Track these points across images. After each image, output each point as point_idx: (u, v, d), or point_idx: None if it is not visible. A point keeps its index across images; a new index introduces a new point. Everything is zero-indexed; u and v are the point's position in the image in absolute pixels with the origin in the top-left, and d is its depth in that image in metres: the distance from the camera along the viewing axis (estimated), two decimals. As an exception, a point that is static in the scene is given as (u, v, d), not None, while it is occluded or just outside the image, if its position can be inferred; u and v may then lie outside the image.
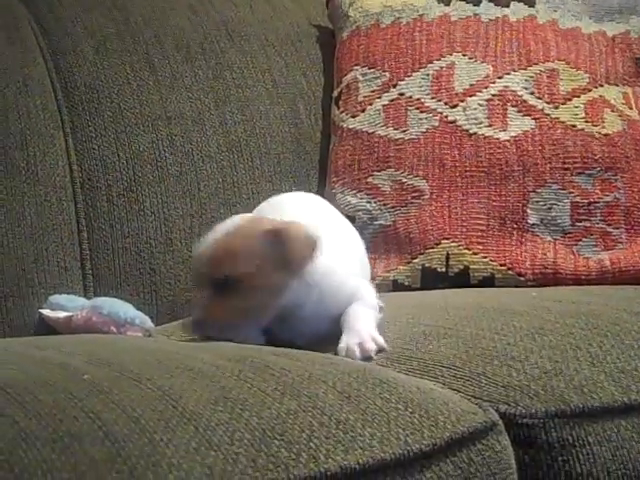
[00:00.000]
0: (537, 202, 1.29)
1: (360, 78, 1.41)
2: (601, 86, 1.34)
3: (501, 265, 1.26)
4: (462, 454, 0.63)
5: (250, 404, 0.61)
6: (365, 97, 1.40)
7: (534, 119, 1.31)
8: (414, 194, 1.32)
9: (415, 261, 1.30)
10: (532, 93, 1.33)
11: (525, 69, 1.35)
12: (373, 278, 1.19)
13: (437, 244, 1.29)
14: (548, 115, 1.31)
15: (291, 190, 1.37)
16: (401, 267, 1.30)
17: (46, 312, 1.19)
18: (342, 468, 0.58)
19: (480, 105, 1.33)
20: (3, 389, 0.58)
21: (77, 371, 0.64)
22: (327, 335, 0.84)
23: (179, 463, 0.53)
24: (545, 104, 1.32)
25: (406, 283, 1.29)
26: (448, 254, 1.28)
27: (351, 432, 0.61)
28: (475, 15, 1.41)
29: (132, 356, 0.69)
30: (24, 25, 1.35)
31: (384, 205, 1.33)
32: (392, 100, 1.38)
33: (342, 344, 0.80)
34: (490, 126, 1.32)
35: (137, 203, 1.32)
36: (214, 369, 0.68)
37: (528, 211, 1.28)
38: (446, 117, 1.34)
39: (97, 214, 1.30)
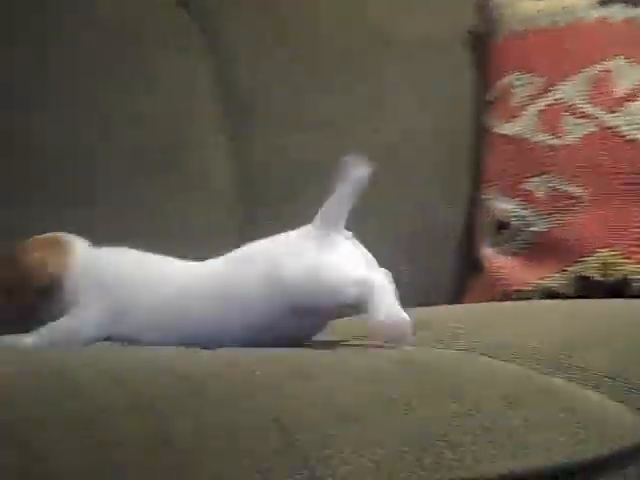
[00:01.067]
0: (700, 211, 1.25)
1: (515, 83, 1.40)
2: None
3: (662, 275, 1.23)
4: (630, 468, 0.62)
5: (414, 405, 0.62)
6: (519, 102, 1.39)
7: (698, 124, 1.27)
8: (570, 201, 1.30)
9: (570, 269, 1.28)
10: (697, 97, 1.29)
11: (689, 72, 1.31)
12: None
13: (593, 252, 1.27)
14: None
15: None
16: (555, 275, 1.29)
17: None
18: (504, 474, 0.58)
19: (641, 110, 1.30)
20: (184, 379, 0.62)
21: (248, 367, 0.67)
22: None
23: (349, 458, 0.56)
24: None
25: (560, 291, 1.28)
26: (605, 263, 1.26)
27: (515, 438, 0.61)
28: (635, 17, 1.37)
29: (302, 356, 0.72)
30: (188, 31, 1.41)
31: (538, 212, 1.32)
32: (548, 105, 1.36)
33: None
34: (652, 132, 1.29)
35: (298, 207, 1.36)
36: (376, 370, 0.69)
37: (690, 220, 1.25)
38: (604, 123, 1.32)
39: (259, 217, 1.35)
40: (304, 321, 0.82)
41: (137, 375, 0.65)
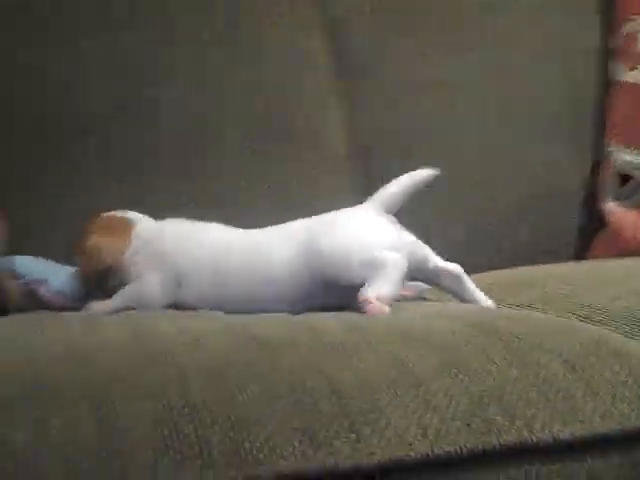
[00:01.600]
0: None
1: (640, 28, 1.34)
2: None
3: None
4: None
5: (474, 370, 0.63)
6: (645, 48, 1.33)
7: None
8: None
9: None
10: None
11: None
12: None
13: None
14: None
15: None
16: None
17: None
18: (555, 439, 0.59)
19: None
20: (258, 341, 0.67)
21: (324, 334, 0.70)
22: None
23: (396, 421, 0.58)
24: None
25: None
26: None
27: (571, 403, 0.61)
28: None
29: (376, 325, 0.74)
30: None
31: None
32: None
33: None
34: None
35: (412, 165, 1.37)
36: (449, 335, 0.70)
37: None
38: None
39: (372, 181, 1.36)
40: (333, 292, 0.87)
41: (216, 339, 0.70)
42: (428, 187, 0.95)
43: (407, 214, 0.94)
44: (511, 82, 1.40)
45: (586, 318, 0.83)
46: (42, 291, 1.01)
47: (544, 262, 1.22)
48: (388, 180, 1.31)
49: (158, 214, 1.05)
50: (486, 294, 0.92)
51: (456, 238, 1.31)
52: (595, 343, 0.68)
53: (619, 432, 0.60)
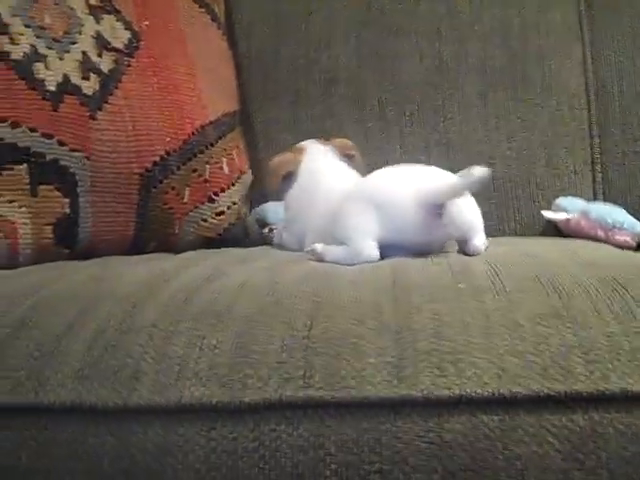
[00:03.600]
0: None
1: None
2: None
3: None
4: None
5: (579, 322, 0.68)
6: None
7: None
8: None
9: None
10: None
11: None
12: None
13: None
14: None
15: None
16: None
17: (547, 213, 1.30)
18: (624, 391, 0.62)
19: None
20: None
21: (459, 279, 0.77)
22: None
23: (477, 362, 0.65)
24: None
25: None
26: None
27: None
28: None
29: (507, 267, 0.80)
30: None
31: None
32: None
33: None
34: None
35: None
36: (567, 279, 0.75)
37: None
38: None
39: (609, 120, 1.35)
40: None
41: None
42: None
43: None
44: None
45: None
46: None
47: None
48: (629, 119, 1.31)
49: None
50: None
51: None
52: None
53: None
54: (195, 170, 1.12)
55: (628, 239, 1.16)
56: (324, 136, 1.15)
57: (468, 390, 0.63)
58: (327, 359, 0.66)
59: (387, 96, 1.36)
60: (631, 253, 1.01)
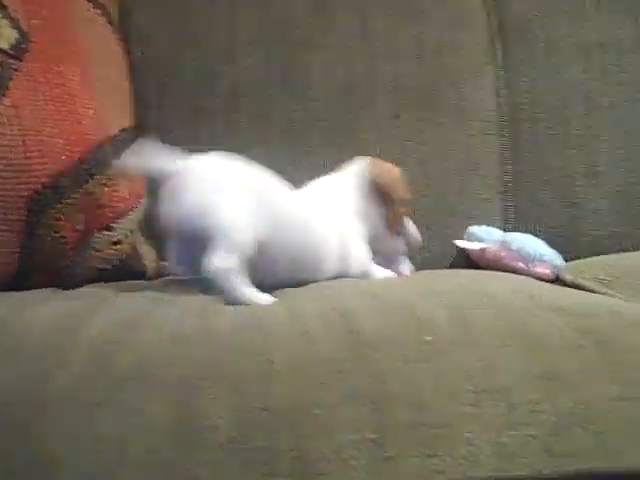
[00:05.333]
0: None
1: None
2: None
3: None
4: None
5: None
6: None
7: None
8: None
9: None
10: None
11: None
12: None
13: None
14: None
15: None
16: None
17: (461, 243, 1.22)
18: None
19: None
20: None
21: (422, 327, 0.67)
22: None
23: (470, 438, 0.55)
24: None
25: None
26: None
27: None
28: None
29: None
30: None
31: None
32: None
33: None
34: None
35: (563, 135, 1.29)
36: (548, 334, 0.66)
37: None
38: None
39: (522, 147, 1.30)
40: None
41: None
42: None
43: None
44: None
45: None
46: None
47: None
48: (540, 142, 1.26)
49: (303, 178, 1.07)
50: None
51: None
52: None
53: None
54: (91, 193, 0.96)
55: (548, 271, 1.12)
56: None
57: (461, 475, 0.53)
58: (293, 438, 0.54)
59: (295, 114, 1.25)
60: (584, 293, 0.94)
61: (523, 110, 1.30)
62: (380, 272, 1.05)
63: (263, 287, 0.80)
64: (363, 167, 1.08)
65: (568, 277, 1.04)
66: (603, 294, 0.89)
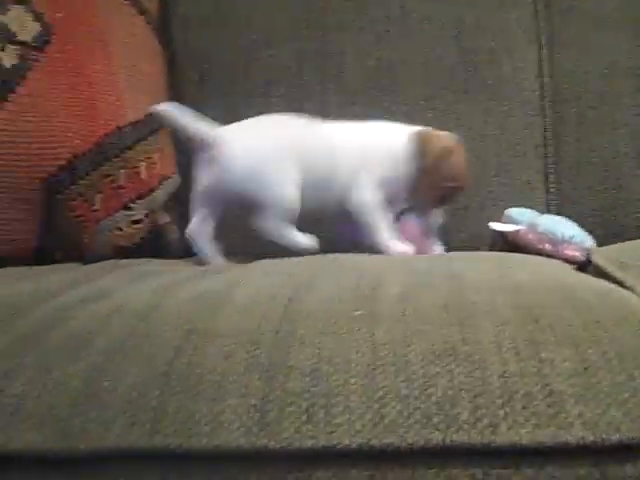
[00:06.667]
0: None
1: None
2: None
3: None
4: None
5: (475, 360, 0.59)
6: None
7: None
8: None
9: None
10: None
11: None
12: None
13: None
14: None
15: None
16: None
17: (495, 225, 1.20)
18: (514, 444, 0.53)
19: None
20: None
21: (362, 304, 0.68)
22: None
23: (352, 407, 0.56)
24: None
25: None
26: None
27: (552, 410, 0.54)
28: None
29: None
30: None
31: None
32: None
33: None
34: None
35: (609, 116, 1.25)
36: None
37: None
38: None
39: (565, 128, 1.26)
40: None
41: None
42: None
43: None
44: None
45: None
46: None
47: None
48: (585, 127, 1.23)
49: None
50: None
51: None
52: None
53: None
54: (108, 175, 1.02)
55: (577, 254, 1.08)
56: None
57: (335, 441, 0.54)
58: (183, 400, 0.57)
59: (330, 98, 1.26)
60: (575, 274, 0.92)
61: (567, 90, 1.26)
62: (396, 247, 1.04)
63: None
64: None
65: (594, 259, 1.01)
66: (614, 277, 0.87)
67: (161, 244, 1.07)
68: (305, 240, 0.97)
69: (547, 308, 0.65)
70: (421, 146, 1.04)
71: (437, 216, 1.10)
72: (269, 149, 0.96)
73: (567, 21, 1.27)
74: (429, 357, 0.59)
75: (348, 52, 1.27)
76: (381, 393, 0.56)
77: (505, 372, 0.57)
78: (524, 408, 0.54)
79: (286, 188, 0.95)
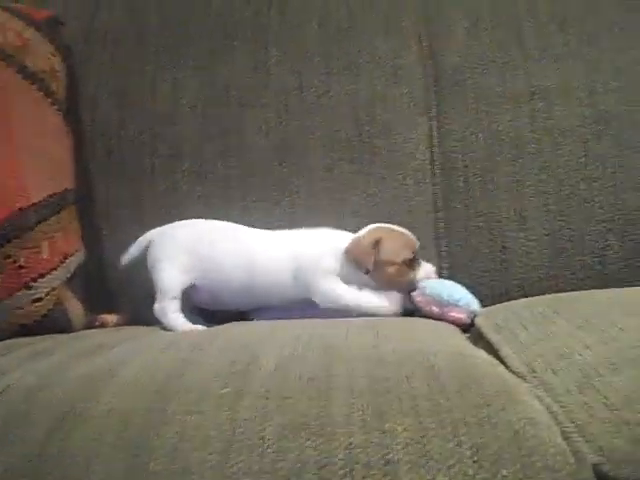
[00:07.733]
0: None
1: None
2: None
3: None
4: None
5: (325, 433, 0.64)
6: None
7: None
8: None
9: None
10: None
11: None
12: None
13: None
14: None
15: None
16: None
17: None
18: None
19: None
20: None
21: (234, 381, 0.73)
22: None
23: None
24: None
25: None
26: None
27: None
28: None
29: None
30: (405, 13, 1.43)
31: None
32: None
33: None
34: None
35: (492, 182, 1.33)
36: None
37: None
38: None
39: (453, 194, 1.34)
40: None
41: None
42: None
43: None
44: (617, 86, 1.31)
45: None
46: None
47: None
48: (470, 194, 1.31)
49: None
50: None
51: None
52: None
53: None
54: (9, 256, 1.06)
55: (462, 316, 1.14)
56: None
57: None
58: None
59: (231, 171, 1.33)
60: (452, 338, 0.98)
61: (455, 159, 1.34)
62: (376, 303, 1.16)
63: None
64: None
65: (476, 321, 1.07)
66: (488, 339, 0.93)
67: (64, 320, 1.11)
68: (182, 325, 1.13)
69: (400, 379, 0.71)
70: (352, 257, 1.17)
71: (425, 272, 1.20)
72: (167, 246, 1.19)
73: (455, 95, 1.35)
74: (283, 432, 0.64)
75: (249, 126, 1.33)
76: (234, 469, 0.61)
77: (351, 444, 0.63)
78: (363, 478, 0.60)
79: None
